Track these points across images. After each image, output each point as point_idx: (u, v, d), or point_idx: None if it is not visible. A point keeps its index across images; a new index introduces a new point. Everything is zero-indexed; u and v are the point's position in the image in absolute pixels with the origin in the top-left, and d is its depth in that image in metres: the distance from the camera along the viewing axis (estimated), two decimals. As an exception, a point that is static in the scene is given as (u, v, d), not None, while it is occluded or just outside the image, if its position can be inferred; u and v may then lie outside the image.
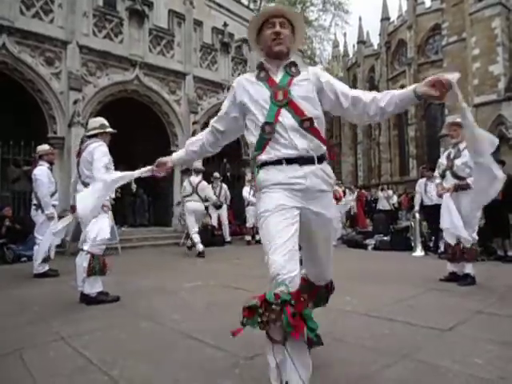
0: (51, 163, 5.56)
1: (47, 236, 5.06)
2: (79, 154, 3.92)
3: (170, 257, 7.70)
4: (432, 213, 7.39)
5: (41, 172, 5.26)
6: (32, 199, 5.45)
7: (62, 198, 6.40)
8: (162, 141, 11.07)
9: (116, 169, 3.78)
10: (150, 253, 8.36)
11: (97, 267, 3.63)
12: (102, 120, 4.02)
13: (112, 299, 3.71)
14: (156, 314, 3.26)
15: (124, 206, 11.29)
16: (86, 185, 3.72)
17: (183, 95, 11.33)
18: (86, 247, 3.66)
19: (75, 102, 8.94)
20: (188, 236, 9.46)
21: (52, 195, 5.32)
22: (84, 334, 2.73)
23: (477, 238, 4.28)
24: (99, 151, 3.69)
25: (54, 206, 5.34)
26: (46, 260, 5.13)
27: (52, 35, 8.88)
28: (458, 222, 4.19)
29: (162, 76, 10.94)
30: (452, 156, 4.39)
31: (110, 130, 3.97)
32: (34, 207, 5.37)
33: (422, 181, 7.88)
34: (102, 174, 3.43)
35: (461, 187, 4.23)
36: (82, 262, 3.65)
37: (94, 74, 9.61)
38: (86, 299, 3.63)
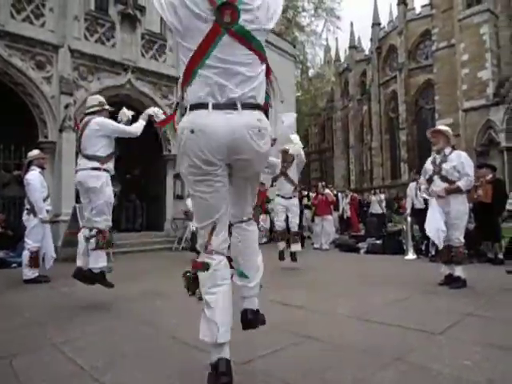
0: (42, 168, 5.52)
1: (48, 240, 5.28)
2: (80, 129, 4.00)
3: (164, 261, 7.66)
4: (423, 216, 7.47)
5: (33, 177, 5.22)
6: (24, 204, 5.41)
7: (54, 203, 6.35)
8: (154, 145, 11.04)
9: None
10: (143, 258, 8.30)
11: (103, 241, 3.73)
12: (100, 98, 4.25)
13: (109, 284, 3.82)
14: (150, 319, 3.24)
15: (116, 212, 11.21)
16: (89, 158, 3.82)
17: (175, 100, 11.32)
18: (92, 224, 3.80)
19: (66, 107, 8.88)
20: (181, 240, 9.46)
21: (44, 200, 5.29)
22: (76, 340, 2.71)
23: (463, 240, 4.35)
24: (108, 121, 3.94)
25: (47, 210, 5.31)
26: (34, 265, 5.12)
27: (43, 39, 8.83)
28: (441, 228, 4.27)
29: (155, 80, 10.93)
30: (438, 161, 4.51)
31: (107, 107, 4.18)
32: (26, 212, 5.33)
33: (412, 185, 7.96)
34: (129, 128, 4.03)
35: (452, 191, 4.32)
36: (85, 236, 3.75)
37: (86, 78, 9.56)
38: (86, 275, 3.69)
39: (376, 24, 33.21)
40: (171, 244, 9.62)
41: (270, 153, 1.88)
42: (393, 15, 31.84)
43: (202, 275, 1.74)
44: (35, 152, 5.56)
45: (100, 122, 3.88)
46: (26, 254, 5.15)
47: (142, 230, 11.51)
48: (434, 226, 4.32)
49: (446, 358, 2.23)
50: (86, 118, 3.99)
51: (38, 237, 5.21)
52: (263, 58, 1.73)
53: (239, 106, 1.61)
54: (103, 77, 9.86)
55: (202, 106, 1.60)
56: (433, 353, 2.33)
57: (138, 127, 4.03)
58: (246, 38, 1.64)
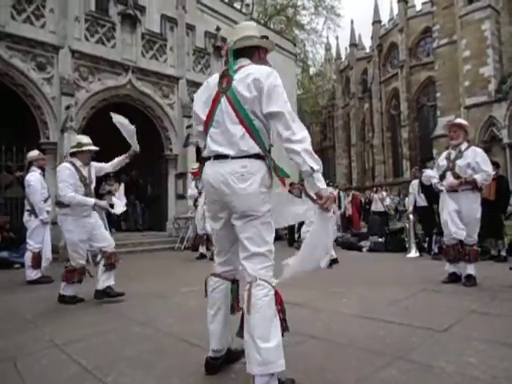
0: (42, 169, 5.52)
1: (46, 241, 5.28)
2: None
3: (165, 261, 7.66)
4: (426, 214, 7.45)
5: (33, 178, 5.22)
6: (25, 205, 5.42)
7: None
8: (155, 145, 11.04)
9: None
10: (144, 257, 8.31)
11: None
12: (82, 139, 4.20)
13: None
14: (151, 319, 3.24)
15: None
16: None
17: (176, 99, 11.31)
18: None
19: (67, 107, 8.88)
20: (183, 240, 9.45)
21: (45, 201, 5.29)
22: (78, 341, 2.71)
23: (477, 238, 4.31)
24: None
25: (47, 211, 5.31)
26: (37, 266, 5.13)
27: (44, 40, 8.82)
28: (460, 225, 4.22)
29: (155, 80, 10.92)
30: (453, 157, 4.39)
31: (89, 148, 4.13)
32: (27, 213, 5.33)
33: (415, 182, 7.93)
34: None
35: (468, 183, 4.20)
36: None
37: (87, 78, 9.56)
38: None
39: (376, 21, 33.11)
40: (173, 244, 9.61)
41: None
42: (393, 12, 31.76)
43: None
44: (35, 153, 5.55)
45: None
46: (28, 256, 5.17)
47: (143, 230, 11.53)
48: (458, 227, 4.25)
49: (450, 355, 2.22)
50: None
51: (39, 238, 5.22)
52: (250, 131, 1.88)
53: (230, 158, 1.88)
54: (104, 77, 9.85)
55: (208, 158, 1.99)
56: (436, 350, 2.31)
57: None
58: (235, 105, 1.88)
